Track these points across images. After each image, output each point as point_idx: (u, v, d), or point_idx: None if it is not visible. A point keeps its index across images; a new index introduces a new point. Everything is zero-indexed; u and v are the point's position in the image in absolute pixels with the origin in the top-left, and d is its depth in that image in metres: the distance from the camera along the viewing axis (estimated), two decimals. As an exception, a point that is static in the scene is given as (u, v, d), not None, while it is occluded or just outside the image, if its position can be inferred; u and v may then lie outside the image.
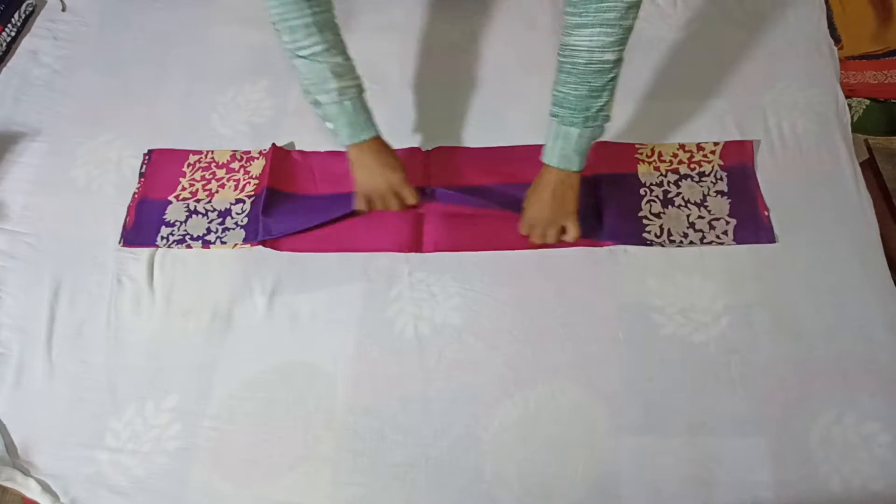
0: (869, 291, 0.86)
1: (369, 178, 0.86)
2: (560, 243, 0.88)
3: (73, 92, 1.07)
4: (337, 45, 0.80)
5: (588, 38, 0.72)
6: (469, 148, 1.00)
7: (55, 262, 0.92)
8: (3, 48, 1.10)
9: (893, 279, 0.87)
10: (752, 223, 0.92)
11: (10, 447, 0.81)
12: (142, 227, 0.95)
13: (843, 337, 0.84)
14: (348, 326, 0.86)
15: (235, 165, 1.00)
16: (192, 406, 0.82)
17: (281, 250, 0.91)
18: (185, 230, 0.94)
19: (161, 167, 1.00)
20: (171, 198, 0.97)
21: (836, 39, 1.14)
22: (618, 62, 0.74)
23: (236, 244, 0.92)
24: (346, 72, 0.81)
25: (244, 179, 0.98)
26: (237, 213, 0.96)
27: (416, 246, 0.91)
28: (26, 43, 1.12)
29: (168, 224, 0.95)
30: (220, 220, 0.95)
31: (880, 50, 1.33)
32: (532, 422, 0.80)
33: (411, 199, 0.88)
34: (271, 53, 1.08)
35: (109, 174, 1.00)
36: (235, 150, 1.00)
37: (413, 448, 0.79)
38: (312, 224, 0.93)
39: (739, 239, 0.90)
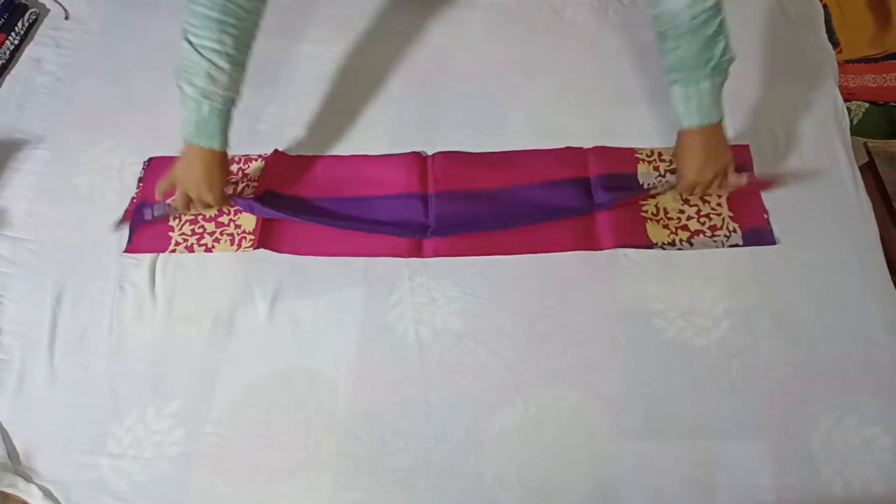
0: (869, 294, 0.86)
1: (186, 180, 0.87)
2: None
3: (76, 99, 1.08)
4: (232, 53, 0.80)
5: None
6: (470, 153, 1.01)
7: (58, 268, 0.93)
8: (7, 56, 1.10)
9: (893, 282, 0.88)
10: (751, 225, 0.91)
11: (12, 453, 0.81)
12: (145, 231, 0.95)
13: (843, 339, 0.84)
14: (349, 331, 0.86)
15: (234, 168, 1.00)
16: (193, 412, 0.82)
17: (282, 252, 0.92)
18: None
19: (159, 172, 1.00)
20: (169, 201, 0.97)
21: (835, 43, 1.15)
22: (718, 2, 0.75)
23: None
24: (224, 80, 0.81)
25: (242, 182, 0.99)
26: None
27: (416, 251, 0.92)
28: (29, 51, 1.13)
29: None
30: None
31: (879, 53, 1.33)
32: (533, 426, 0.80)
33: (210, 209, 0.91)
34: (273, 61, 1.08)
35: (112, 181, 1.00)
36: (234, 154, 1.01)
37: (414, 452, 0.79)
38: (311, 218, 0.93)
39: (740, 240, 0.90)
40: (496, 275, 0.90)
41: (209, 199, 0.88)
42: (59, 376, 0.85)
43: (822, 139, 0.99)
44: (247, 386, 0.84)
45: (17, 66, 1.11)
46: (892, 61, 1.33)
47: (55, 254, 0.94)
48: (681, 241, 0.91)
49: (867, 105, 1.29)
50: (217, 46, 0.79)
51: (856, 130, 1.24)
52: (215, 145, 0.85)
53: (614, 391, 0.82)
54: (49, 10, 1.17)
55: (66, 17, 1.17)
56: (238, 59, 0.82)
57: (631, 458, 0.78)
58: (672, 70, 0.80)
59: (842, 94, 1.05)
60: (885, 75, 1.32)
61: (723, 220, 0.92)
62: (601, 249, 0.91)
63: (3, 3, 1.11)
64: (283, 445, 0.80)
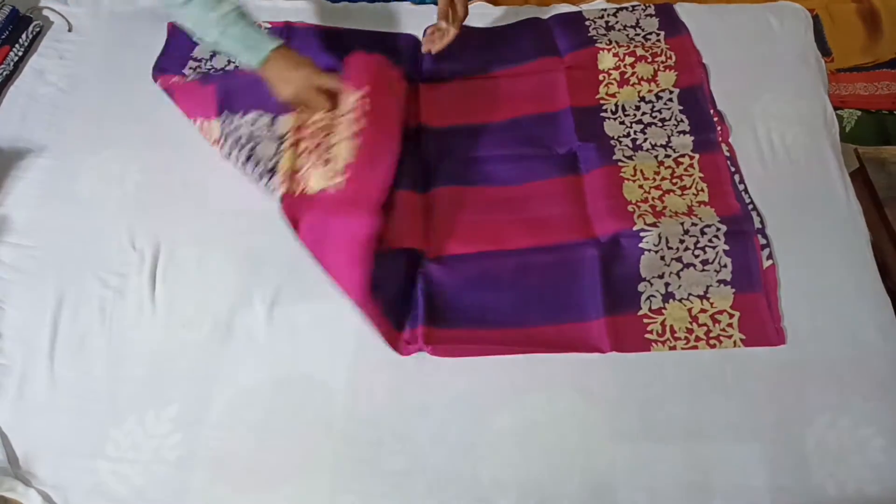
0: (860, 297, 0.87)
1: (286, 84, 0.88)
2: None
3: (78, 109, 1.09)
4: None
5: None
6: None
7: (58, 274, 0.94)
8: (11, 68, 1.12)
9: (884, 284, 0.89)
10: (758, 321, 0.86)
11: (12, 458, 0.81)
12: (172, 55, 1.10)
13: (835, 341, 0.85)
14: (347, 335, 0.87)
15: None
16: (192, 415, 0.83)
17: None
18: (211, 65, 1.08)
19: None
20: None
21: (827, 52, 1.16)
22: None
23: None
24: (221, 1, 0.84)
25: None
26: None
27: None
28: (33, 62, 1.15)
29: (195, 59, 1.09)
30: None
31: (870, 62, 1.35)
32: (529, 429, 0.81)
33: (331, 83, 0.89)
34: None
35: (112, 189, 1.01)
36: None
37: (411, 455, 0.80)
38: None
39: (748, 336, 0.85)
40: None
41: (309, 73, 0.88)
42: (58, 381, 0.86)
43: (812, 146, 1.01)
44: (245, 390, 0.85)
45: (21, 77, 1.13)
46: (883, 69, 1.35)
47: (56, 260, 0.95)
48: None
49: (859, 112, 1.31)
50: None
51: (848, 137, 1.26)
52: (273, 45, 0.86)
53: (609, 394, 0.83)
54: (53, 23, 1.19)
55: (70, 30, 1.18)
56: None
57: (626, 461, 0.79)
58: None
59: (834, 102, 1.07)
60: (876, 83, 1.34)
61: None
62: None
63: (7, 16, 1.13)
64: (281, 449, 0.81)
